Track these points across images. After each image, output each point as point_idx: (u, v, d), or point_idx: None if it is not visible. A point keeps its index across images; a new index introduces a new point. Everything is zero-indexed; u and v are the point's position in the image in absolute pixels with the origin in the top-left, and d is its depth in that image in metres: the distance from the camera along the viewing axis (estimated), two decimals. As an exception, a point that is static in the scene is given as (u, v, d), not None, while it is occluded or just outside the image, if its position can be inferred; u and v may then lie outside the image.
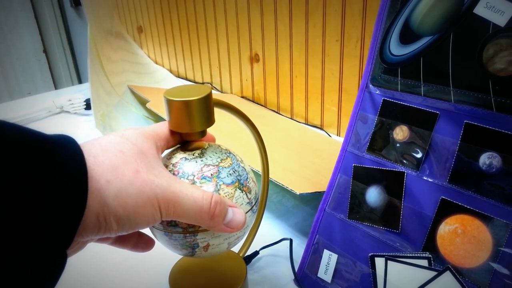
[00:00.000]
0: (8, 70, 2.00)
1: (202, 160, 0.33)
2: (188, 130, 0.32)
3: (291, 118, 0.81)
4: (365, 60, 0.65)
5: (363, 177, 0.38)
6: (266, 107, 0.86)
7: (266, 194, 0.43)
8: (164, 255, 0.44)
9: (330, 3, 0.66)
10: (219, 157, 0.33)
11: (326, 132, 0.74)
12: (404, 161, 0.35)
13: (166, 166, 0.33)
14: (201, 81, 1.05)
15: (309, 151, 0.64)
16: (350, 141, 0.40)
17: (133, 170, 0.26)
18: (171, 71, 1.14)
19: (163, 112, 0.64)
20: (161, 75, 1.10)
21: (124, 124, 0.68)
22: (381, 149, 0.37)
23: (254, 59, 0.86)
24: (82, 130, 0.83)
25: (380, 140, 0.37)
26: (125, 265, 0.46)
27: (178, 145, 0.35)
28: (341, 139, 0.71)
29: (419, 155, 0.34)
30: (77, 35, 2.11)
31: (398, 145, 0.36)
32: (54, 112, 0.90)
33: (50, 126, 0.85)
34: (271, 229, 0.50)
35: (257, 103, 0.88)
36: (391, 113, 0.37)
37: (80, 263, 0.47)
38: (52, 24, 2.08)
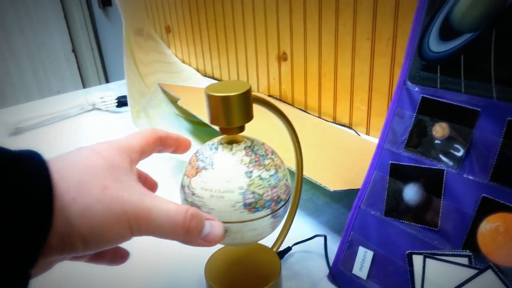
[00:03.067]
0: (38, 69, 2.06)
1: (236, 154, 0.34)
2: (226, 125, 0.33)
3: (319, 117, 0.81)
4: (396, 59, 0.64)
5: (401, 174, 0.38)
6: (293, 106, 0.87)
7: (300, 191, 0.43)
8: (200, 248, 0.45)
9: (361, 1, 0.66)
10: (223, 158, 0.34)
11: (355, 131, 0.74)
12: (443, 158, 0.35)
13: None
14: (227, 81, 1.06)
15: (339, 150, 0.64)
16: (386, 139, 0.39)
17: (101, 186, 0.25)
18: (198, 70, 1.16)
19: (194, 109, 0.65)
20: (189, 74, 1.11)
21: (156, 121, 0.69)
22: (419, 146, 0.37)
23: (282, 58, 0.86)
24: (114, 127, 0.85)
25: (418, 138, 0.37)
26: (162, 255, 0.47)
27: (217, 139, 0.36)
28: (370, 138, 0.71)
29: (459, 153, 0.34)
30: (105, 35, 2.16)
31: (437, 142, 0.36)
32: (87, 109, 0.93)
33: (83, 123, 0.88)
34: (302, 226, 0.51)
35: (284, 102, 0.89)
36: (430, 110, 0.36)
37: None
38: (80, 24, 2.13)
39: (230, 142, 0.35)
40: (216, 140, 0.36)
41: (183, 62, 1.21)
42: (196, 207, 0.32)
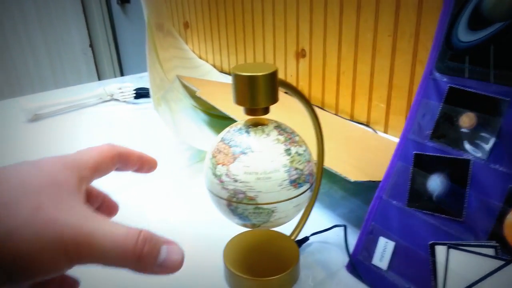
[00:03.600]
0: (55, 62, 2.09)
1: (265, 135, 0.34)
2: (252, 105, 0.33)
3: (336, 114, 0.81)
4: (418, 56, 0.64)
5: (425, 164, 0.37)
6: (309, 103, 0.86)
7: (320, 179, 0.43)
8: (219, 231, 0.45)
9: (384, -2, 0.66)
10: (259, 140, 0.34)
11: (373, 129, 0.73)
12: (470, 148, 0.35)
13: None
14: (244, 76, 1.06)
15: (357, 146, 0.64)
16: (411, 129, 0.39)
17: (33, 205, 0.21)
18: (214, 66, 1.16)
19: (212, 100, 0.65)
20: (205, 70, 1.12)
21: (176, 113, 0.69)
22: (445, 136, 0.36)
23: (300, 54, 0.86)
24: (131, 118, 0.85)
25: (444, 128, 0.36)
26: (178, 239, 0.47)
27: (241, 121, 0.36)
28: (388, 136, 0.71)
29: (487, 143, 0.34)
30: (122, 32, 2.18)
31: (464, 132, 0.35)
32: (104, 99, 0.94)
33: (100, 113, 0.89)
34: (319, 218, 0.50)
35: (301, 99, 0.88)
36: (457, 100, 0.36)
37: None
38: (98, 20, 2.15)
39: (256, 125, 0.35)
40: (239, 125, 0.36)
41: (200, 58, 1.22)
42: (241, 193, 0.32)
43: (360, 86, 0.75)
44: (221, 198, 0.34)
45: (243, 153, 0.33)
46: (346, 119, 0.79)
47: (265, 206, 0.33)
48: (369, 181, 0.44)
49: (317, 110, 0.78)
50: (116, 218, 0.51)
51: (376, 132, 0.72)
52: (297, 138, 0.35)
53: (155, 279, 0.41)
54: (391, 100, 0.70)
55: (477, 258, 0.33)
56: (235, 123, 0.37)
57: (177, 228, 0.50)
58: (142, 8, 0.71)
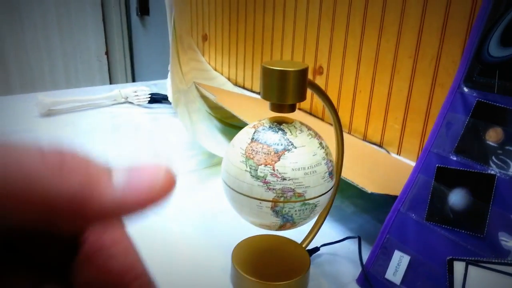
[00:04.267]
0: (70, 66, 2.11)
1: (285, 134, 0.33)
2: (279, 100, 0.33)
3: (349, 133, 0.80)
4: (438, 79, 0.64)
5: (448, 178, 0.36)
6: (323, 120, 0.86)
7: (336, 190, 0.42)
8: (227, 235, 0.44)
9: (407, 20, 0.66)
10: (297, 136, 0.34)
11: (386, 150, 0.73)
12: (496, 164, 0.34)
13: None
14: (258, 91, 1.06)
15: (371, 163, 0.63)
16: (434, 142, 0.39)
17: None
18: (229, 79, 1.17)
19: (229, 106, 0.65)
20: (220, 82, 1.12)
21: (192, 111, 0.69)
22: (470, 151, 0.36)
23: (317, 71, 0.86)
24: (144, 122, 0.85)
25: (470, 142, 0.36)
26: (189, 240, 0.46)
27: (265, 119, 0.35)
28: (402, 158, 0.70)
29: (514, 159, 0.33)
30: (138, 42, 2.21)
31: (490, 147, 0.34)
32: (119, 101, 0.94)
33: (114, 114, 0.88)
34: (329, 231, 0.49)
35: (315, 116, 0.88)
36: (485, 115, 0.35)
37: (142, 238, 0.48)
38: (117, 29, 2.19)
39: (280, 123, 0.34)
40: (264, 124, 0.34)
41: (215, 70, 1.22)
42: (289, 191, 0.32)
43: (376, 107, 0.75)
44: (264, 200, 0.32)
45: (287, 150, 0.32)
46: (359, 138, 0.78)
47: (311, 201, 0.33)
48: (386, 194, 0.44)
49: (330, 128, 0.78)
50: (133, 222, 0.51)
51: (389, 153, 0.71)
52: (319, 133, 0.36)
53: (155, 277, 0.40)
54: (406, 123, 0.70)
55: (498, 276, 0.31)
56: (253, 124, 0.35)
57: (185, 229, 0.49)
58: (166, 20, 0.72)
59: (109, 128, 0.81)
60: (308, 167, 0.32)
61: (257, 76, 1.06)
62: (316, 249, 0.44)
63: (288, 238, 0.43)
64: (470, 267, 0.33)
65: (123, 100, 0.94)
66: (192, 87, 0.78)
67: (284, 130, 0.33)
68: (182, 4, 0.86)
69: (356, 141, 0.75)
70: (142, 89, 0.92)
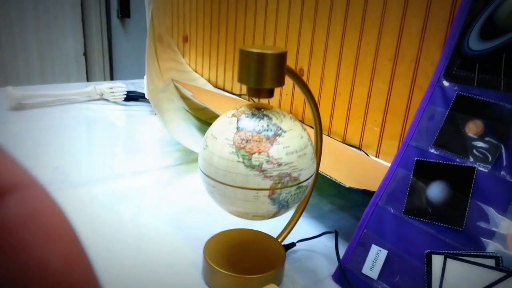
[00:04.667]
0: (46, 67, 2.06)
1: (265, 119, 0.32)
2: (256, 85, 0.32)
3: (328, 135, 0.80)
4: (417, 81, 0.64)
5: (427, 171, 0.36)
6: (303, 123, 0.86)
7: (314, 181, 0.41)
8: (201, 229, 0.43)
9: (387, 22, 0.67)
10: (282, 120, 0.33)
11: (365, 152, 0.72)
12: (475, 156, 0.33)
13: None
14: (238, 93, 1.05)
15: (349, 163, 0.62)
16: (413, 136, 0.38)
17: None
18: (209, 81, 1.15)
19: (207, 101, 0.64)
20: (201, 83, 1.11)
21: (167, 108, 0.67)
22: (449, 143, 0.35)
23: (298, 73, 0.86)
24: (118, 119, 0.83)
25: (449, 135, 0.35)
26: (160, 235, 0.44)
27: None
28: (380, 161, 0.70)
29: (493, 151, 0.33)
30: (118, 45, 2.18)
31: (470, 140, 0.34)
32: (93, 98, 0.91)
33: (87, 111, 0.86)
34: (306, 227, 0.48)
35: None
36: (465, 108, 0.35)
37: (115, 233, 0.46)
38: (96, 31, 2.15)
39: (260, 109, 0.33)
40: (246, 112, 0.33)
41: (195, 71, 1.21)
42: (286, 176, 0.31)
43: (355, 109, 0.74)
44: (261, 189, 0.31)
45: (278, 135, 0.31)
46: (338, 141, 0.78)
47: (304, 184, 0.32)
48: (364, 190, 0.43)
49: (310, 130, 0.77)
50: (102, 214, 0.48)
51: (368, 156, 0.71)
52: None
53: (126, 271, 0.37)
54: (385, 124, 0.70)
55: (477, 269, 0.31)
56: (231, 113, 0.34)
57: (156, 224, 0.47)
58: (146, 21, 0.71)
59: (82, 124, 0.79)
60: (299, 150, 0.32)
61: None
62: (292, 244, 0.43)
63: (263, 232, 0.41)
64: (449, 260, 0.32)
65: (98, 96, 0.91)
66: (170, 84, 0.76)
67: (268, 116, 0.32)
68: (162, 4, 0.85)
69: (335, 143, 0.75)
70: (119, 86, 0.89)
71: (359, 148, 0.74)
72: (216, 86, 1.13)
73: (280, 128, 0.32)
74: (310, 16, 0.81)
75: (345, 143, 0.76)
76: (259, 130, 0.31)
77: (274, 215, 0.33)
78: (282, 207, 0.32)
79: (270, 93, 0.33)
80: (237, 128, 0.32)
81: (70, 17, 2.08)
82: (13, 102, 0.81)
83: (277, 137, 0.31)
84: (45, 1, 1.98)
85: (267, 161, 0.30)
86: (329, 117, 0.80)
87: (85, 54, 2.16)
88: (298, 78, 0.35)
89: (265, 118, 0.32)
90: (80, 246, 0.12)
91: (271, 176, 0.30)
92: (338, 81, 0.77)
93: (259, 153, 0.30)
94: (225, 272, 0.35)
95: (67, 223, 0.12)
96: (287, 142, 0.31)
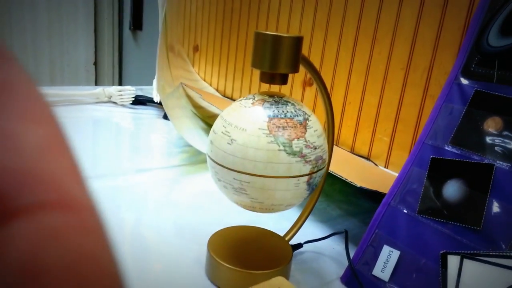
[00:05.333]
0: (56, 74, 2.08)
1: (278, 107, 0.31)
2: (272, 69, 0.31)
3: (336, 145, 0.79)
4: (429, 91, 0.63)
5: (443, 170, 0.34)
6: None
7: (324, 180, 0.40)
8: (206, 226, 0.41)
9: (400, 32, 0.66)
10: (302, 106, 0.32)
11: (374, 163, 0.71)
12: (494, 153, 0.32)
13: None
14: (246, 103, 1.05)
15: (358, 171, 0.61)
16: (429, 134, 0.37)
17: None
18: (217, 90, 1.15)
19: (216, 103, 0.63)
20: (209, 92, 1.10)
21: (177, 113, 0.67)
22: (467, 141, 0.34)
23: (307, 83, 0.85)
24: (125, 120, 0.82)
25: (467, 132, 0.34)
26: (165, 231, 0.43)
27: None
28: (389, 171, 0.68)
29: (513, 148, 0.31)
30: (128, 56, 2.20)
31: (489, 137, 0.33)
32: (102, 100, 0.91)
33: (94, 112, 0.85)
34: (314, 230, 0.46)
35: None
36: (483, 104, 0.34)
37: (117, 227, 0.44)
38: (108, 41, 2.18)
39: (274, 96, 0.32)
40: (266, 100, 0.31)
41: (204, 80, 1.21)
42: (320, 159, 0.32)
43: (365, 118, 0.73)
44: (302, 176, 0.30)
45: (307, 119, 0.31)
46: (346, 151, 0.76)
47: (327, 167, 0.34)
48: (375, 190, 0.41)
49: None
50: (108, 211, 0.47)
51: (377, 166, 0.70)
52: None
53: (128, 266, 0.36)
54: (395, 134, 0.68)
55: (495, 269, 0.29)
56: (248, 103, 0.32)
57: (160, 222, 0.46)
58: (157, 34, 0.71)
59: (88, 124, 0.78)
60: (323, 133, 0.33)
61: (246, 88, 1.05)
62: (300, 245, 0.41)
63: (268, 230, 0.40)
64: (466, 261, 0.31)
65: (106, 99, 0.91)
66: (180, 88, 0.76)
67: (290, 102, 0.32)
68: (175, 14, 0.85)
69: (343, 152, 0.74)
70: (127, 89, 0.89)
71: (368, 159, 0.73)
72: (224, 96, 1.13)
73: (305, 113, 0.32)
74: (322, 26, 0.81)
75: (353, 153, 0.75)
76: (291, 116, 0.31)
77: (303, 201, 0.34)
78: (312, 191, 0.33)
79: (284, 79, 0.32)
80: (270, 116, 0.30)
81: (82, 27, 2.11)
82: (21, 100, 0.80)
83: (307, 122, 0.31)
84: (59, 10, 2.01)
85: (306, 146, 0.30)
86: (338, 127, 0.79)
87: (95, 63, 2.18)
88: (311, 66, 0.34)
89: (289, 104, 0.32)
90: None
91: (310, 161, 0.30)
92: (348, 90, 0.76)
93: (298, 138, 0.30)
94: (230, 266, 0.34)
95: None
96: (315, 126, 0.32)
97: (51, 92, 0.87)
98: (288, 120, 0.30)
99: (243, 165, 0.30)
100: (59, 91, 0.88)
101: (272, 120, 0.30)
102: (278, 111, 0.30)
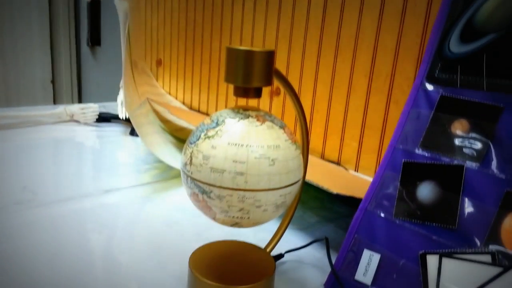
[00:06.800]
0: (12, 95, 1.99)
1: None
2: (245, 83, 0.31)
3: (307, 154, 0.80)
4: (392, 96, 0.65)
5: (415, 173, 0.36)
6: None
7: (301, 191, 0.40)
8: (184, 243, 0.41)
9: (363, 39, 0.68)
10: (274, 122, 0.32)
11: (344, 168, 0.72)
12: (463, 154, 0.34)
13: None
14: (213, 115, 1.05)
15: (331, 176, 0.62)
16: (399, 138, 0.38)
17: None
18: (183, 103, 1.14)
19: (185, 117, 0.63)
20: (175, 105, 1.09)
21: (146, 128, 0.66)
22: (436, 144, 0.35)
23: (275, 92, 0.86)
24: (88, 141, 0.80)
25: (435, 135, 0.36)
26: (141, 250, 0.42)
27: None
28: (359, 175, 0.70)
29: (481, 149, 0.33)
30: (87, 73, 2.14)
31: (456, 139, 0.34)
32: (64, 119, 0.88)
33: (56, 132, 0.82)
34: (293, 238, 0.47)
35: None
36: (449, 108, 0.36)
37: (98, 246, 0.43)
38: (65, 58, 2.12)
39: (246, 109, 0.32)
40: (259, 113, 0.32)
41: (169, 94, 1.20)
42: None
43: (333, 125, 0.75)
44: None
45: (286, 127, 0.34)
46: (317, 157, 0.77)
47: (303, 175, 0.36)
48: (351, 196, 0.42)
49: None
50: (82, 230, 0.45)
51: (347, 171, 0.71)
52: None
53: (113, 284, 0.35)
54: (363, 139, 0.70)
55: (473, 266, 0.30)
56: (247, 120, 0.31)
57: (140, 239, 0.44)
58: (118, 51, 0.70)
59: (51, 145, 0.75)
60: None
61: (213, 100, 1.05)
62: (280, 255, 0.41)
63: (250, 243, 0.40)
64: (444, 260, 0.32)
65: (68, 118, 0.88)
66: (146, 103, 0.75)
67: (269, 114, 0.34)
68: (137, 30, 0.84)
69: (313, 159, 0.75)
70: (91, 106, 0.87)
71: (338, 164, 0.74)
72: (191, 108, 1.12)
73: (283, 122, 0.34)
74: (285, 37, 0.82)
75: (324, 160, 0.76)
76: (283, 124, 0.34)
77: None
78: None
79: (257, 93, 0.32)
80: (279, 126, 0.33)
81: (38, 44, 2.04)
82: (-23, 123, 0.77)
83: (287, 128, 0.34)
84: (12, 26, 1.94)
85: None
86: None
87: (52, 81, 2.11)
88: (283, 79, 0.35)
89: (272, 115, 0.34)
90: None
91: None
92: (315, 98, 0.77)
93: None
94: (213, 283, 0.33)
95: None
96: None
97: (9, 114, 0.83)
98: (286, 128, 0.34)
99: (278, 181, 0.32)
100: (17, 113, 0.84)
101: (285, 128, 0.34)
102: (278, 121, 0.34)
